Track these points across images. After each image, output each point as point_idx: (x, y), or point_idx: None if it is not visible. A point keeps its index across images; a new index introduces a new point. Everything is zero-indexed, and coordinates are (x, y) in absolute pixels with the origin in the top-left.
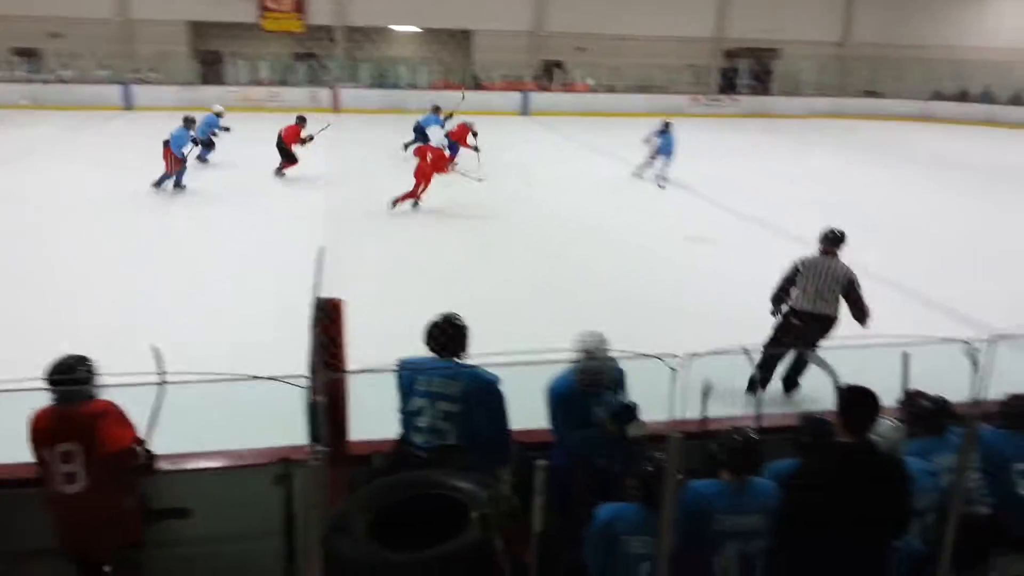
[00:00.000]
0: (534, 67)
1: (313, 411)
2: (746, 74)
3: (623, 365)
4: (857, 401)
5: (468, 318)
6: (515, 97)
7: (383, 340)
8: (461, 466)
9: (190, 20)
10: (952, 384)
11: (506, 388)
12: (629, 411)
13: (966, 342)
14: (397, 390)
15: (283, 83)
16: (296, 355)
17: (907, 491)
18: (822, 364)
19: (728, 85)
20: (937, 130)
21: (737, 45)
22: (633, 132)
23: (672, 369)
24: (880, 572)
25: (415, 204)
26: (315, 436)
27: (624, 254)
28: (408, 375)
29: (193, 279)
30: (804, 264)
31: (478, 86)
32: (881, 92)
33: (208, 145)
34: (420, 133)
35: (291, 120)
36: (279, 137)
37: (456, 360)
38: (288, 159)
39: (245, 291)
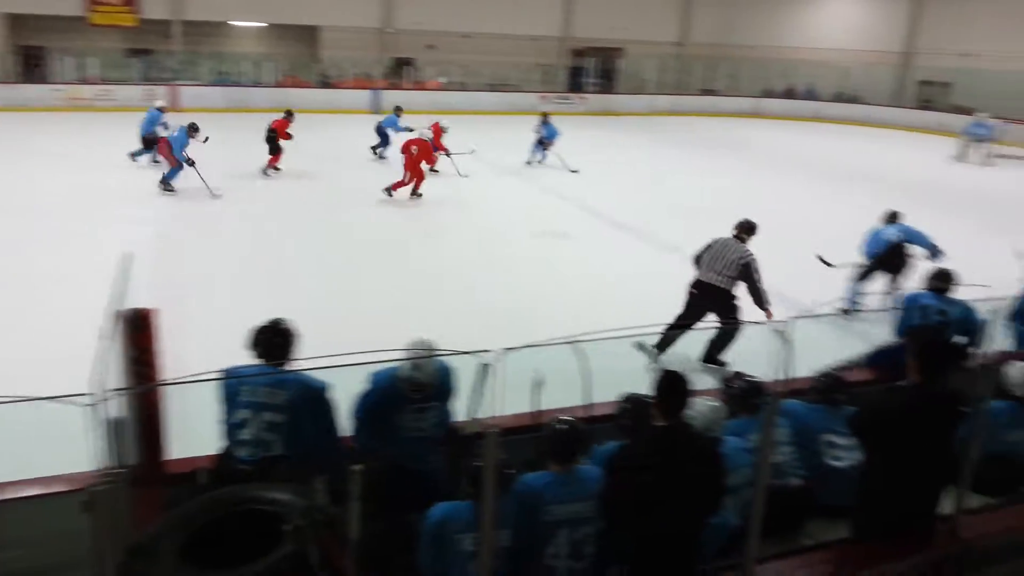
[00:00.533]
0: (384, 64)
1: (112, 429)
2: (593, 73)
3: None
4: (669, 385)
5: (305, 321)
6: (365, 95)
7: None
8: (286, 478)
9: (8, 13)
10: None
11: (338, 393)
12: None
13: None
14: (220, 402)
15: (115, 81)
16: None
17: (719, 469)
18: (644, 349)
19: (576, 84)
20: (767, 126)
21: (583, 44)
22: (485, 130)
23: (485, 365)
24: (696, 547)
25: (417, 195)
26: (114, 456)
27: (472, 250)
28: (231, 385)
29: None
30: (712, 240)
31: (326, 83)
32: (717, 90)
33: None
34: (382, 134)
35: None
36: (269, 128)
37: (283, 367)
38: (275, 151)
39: (64, 302)
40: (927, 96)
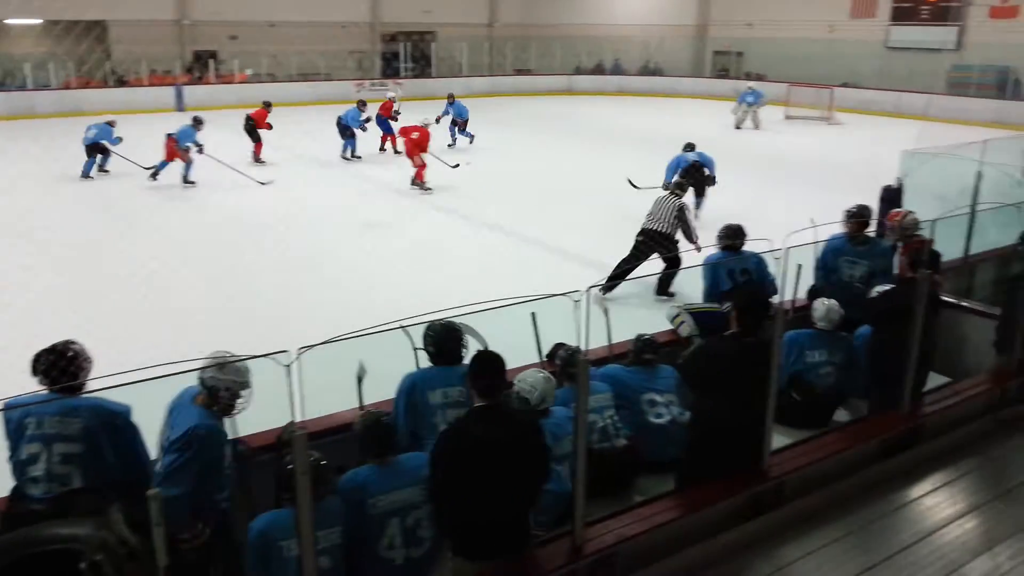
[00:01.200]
0: (185, 59)
1: None
2: (406, 58)
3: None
4: (483, 367)
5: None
6: (167, 92)
7: None
8: (88, 512)
9: None
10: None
11: (143, 415)
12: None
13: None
14: (4, 437)
15: None
16: None
17: (540, 441)
18: (472, 332)
19: (390, 69)
20: (580, 101)
21: (394, 29)
22: (301, 121)
23: (286, 366)
24: (523, 516)
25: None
26: None
27: (294, 246)
28: (14, 418)
29: None
30: (656, 198)
31: (121, 82)
32: (530, 69)
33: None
34: (346, 132)
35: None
36: (248, 118)
37: (73, 393)
38: (257, 140)
39: None
40: (722, 65)
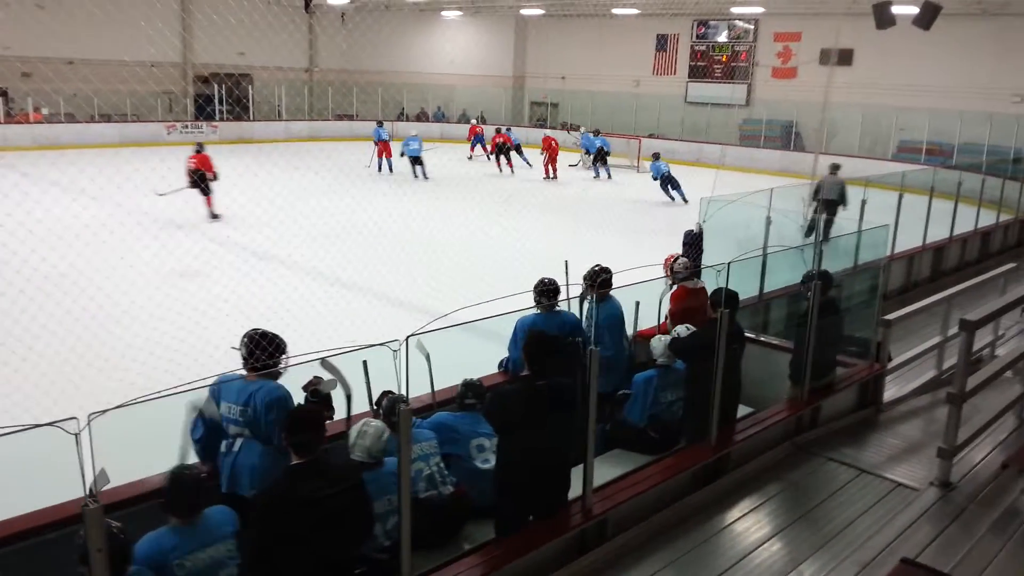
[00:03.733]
0: None
1: None
2: (222, 100)
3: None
4: (298, 424)
5: None
6: None
7: None
8: None
9: None
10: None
11: None
12: None
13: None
14: None
15: None
16: None
17: (362, 495)
18: (336, 373)
19: (204, 112)
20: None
21: (208, 71)
22: (105, 165)
23: (72, 433)
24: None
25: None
26: None
27: (101, 299)
28: None
29: None
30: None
31: None
32: (352, 114)
33: None
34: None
35: None
36: (192, 170)
37: None
38: (207, 192)
39: None
40: (540, 115)
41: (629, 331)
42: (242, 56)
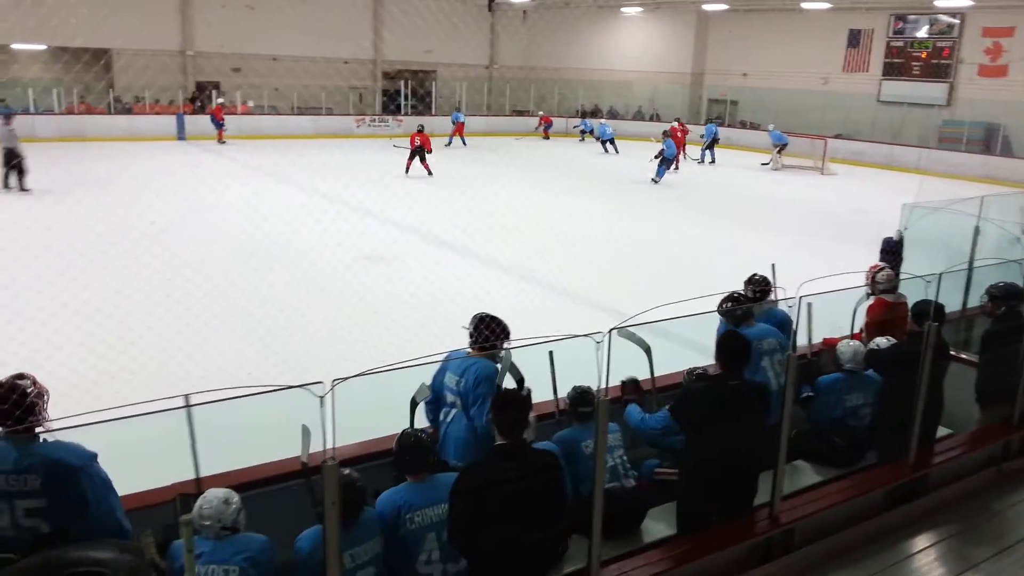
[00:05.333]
0: (187, 89)
1: None
2: (407, 95)
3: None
4: (506, 407)
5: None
6: (168, 121)
7: None
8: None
9: None
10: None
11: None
12: None
13: (588, 335)
14: None
15: None
16: None
17: (559, 479)
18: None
19: (391, 106)
20: (584, 146)
21: (395, 67)
22: (303, 153)
23: (319, 397)
24: (551, 554)
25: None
26: None
27: (297, 277)
28: None
29: None
30: None
31: (124, 109)
32: (528, 110)
33: None
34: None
35: None
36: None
37: (29, 439)
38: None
39: None
40: (717, 113)
41: (803, 339)
42: (427, 53)
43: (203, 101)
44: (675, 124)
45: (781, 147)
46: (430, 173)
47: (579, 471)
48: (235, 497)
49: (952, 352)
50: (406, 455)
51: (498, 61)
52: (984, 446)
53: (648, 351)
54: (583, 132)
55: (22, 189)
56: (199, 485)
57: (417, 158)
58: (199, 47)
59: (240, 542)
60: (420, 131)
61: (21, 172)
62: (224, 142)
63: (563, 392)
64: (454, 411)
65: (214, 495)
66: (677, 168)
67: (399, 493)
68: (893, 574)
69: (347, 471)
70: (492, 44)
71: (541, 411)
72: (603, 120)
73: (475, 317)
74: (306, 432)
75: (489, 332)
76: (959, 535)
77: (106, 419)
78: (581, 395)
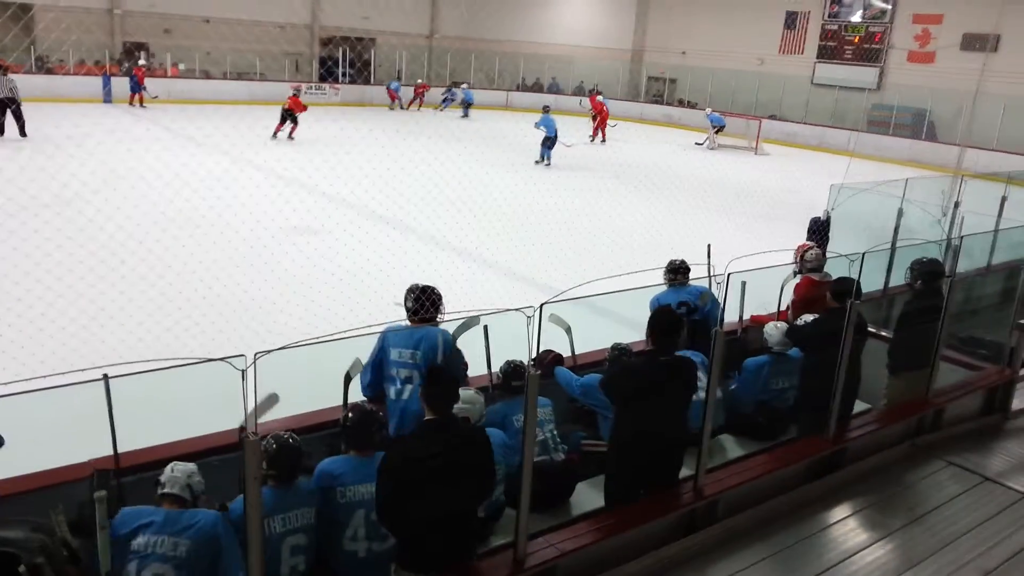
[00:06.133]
0: (115, 49)
1: None
2: (344, 63)
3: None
4: (436, 380)
5: None
6: (94, 82)
7: None
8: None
9: None
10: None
11: None
12: None
13: (519, 310)
14: None
15: None
16: None
17: (488, 454)
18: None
19: (327, 73)
20: (517, 118)
21: (333, 34)
22: (235, 121)
23: (241, 371)
24: (469, 529)
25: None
26: None
27: (221, 247)
28: None
29: None
30: None
31: (46, 69)
32: (468, 82)
33: None
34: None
35: None
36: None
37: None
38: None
39: None
40: (656, 91)
41: (734, 317)
42: (366, 20)
43: (130, 63)
44: (591, 93)
45: (719, 128)
46: (291, 137)
47: (510, 445)
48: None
49: (871, 329)
50: (357, 428)
51: (439, 31)
52: (899, 421)
53: (568, 330)
54: (444, 101)
55: (22, 134)
56: (117, 461)
57: (289, 122)
58: (128, 6)
59: (191, 516)
60: (295, 95)
61: (21, 121)
62: (144, 106)
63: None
64: (409, 387)
65: (183, 464)
66: (604, 140)
67: (337, 463)
68: (812, 543)
69: (286, 433)
70: (432, 14)
71: (475, 385)
72: (465, 86)
73: (411, 289)
74: (271, 399)
75: (429, 303)
76: (875, 506)
77: (17, 392)
78: (514, 369)
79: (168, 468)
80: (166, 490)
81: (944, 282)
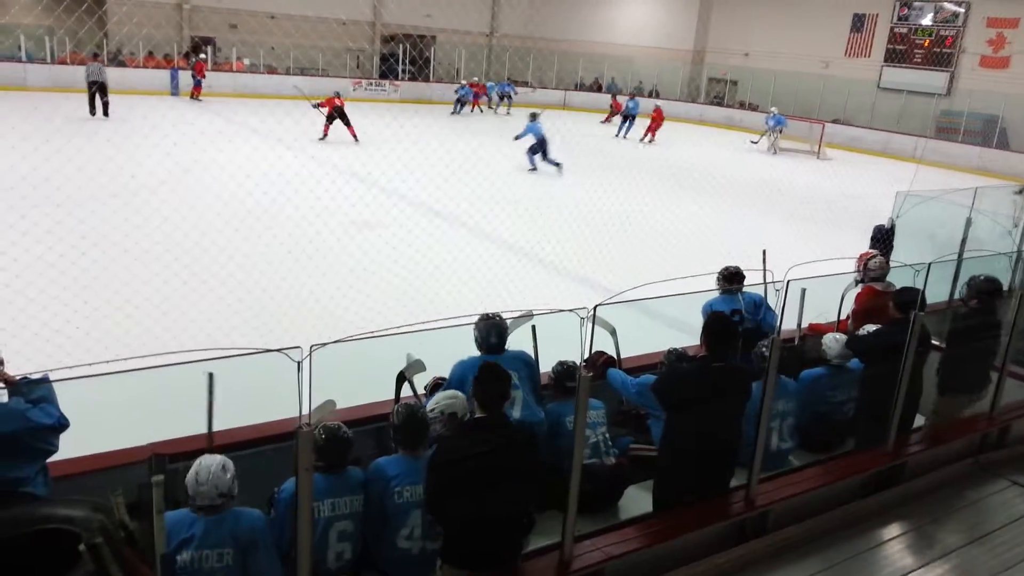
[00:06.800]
0: (183, 43)
1: None
2: (405, 60)
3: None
4: (487, 378)
5: None
6: (162, 75)
7: None
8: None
9: None
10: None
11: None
12: None
13: (572, 311)
14: None
15: None
16: None
17: (535, 454)
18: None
19: (388, 70)
20: (573, 117)
21: (394, 31)
22: (296, 115)
23: (297, 362)
24: (521, 527)
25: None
26: None
27: (285, 241)
28: None
29: None
30: None
31: (119, 62)
32: (527, 81)
33: None
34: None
35: None
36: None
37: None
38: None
39: None
40: (717, 92)
41: (792, 323)
42: (427, 18)
43: (196, 58)
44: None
45: (780, 129)
46: (355, 138)
47: (561, 445)
48: (231, 464)
49: (934, 342)
50: (406, 428)
51: (499, 29)
52: (962, 437)
53: (613, 333)
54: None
55: (105, 114)
56: (212, 440)
57: (339, 121)
58: (196, 1)
59: (232, 520)
60: (337, 96)
61: (106, 101)
62: (200, 99)
63: (546, 367)
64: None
65: (211, 460)
66: (652, 141)
67: (392, 463)
68: (866, 560)
69: (336, 424)
70: (493, 12)
71: None
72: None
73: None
74: (328, 404)
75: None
76: (934, 523)
77: (78, 375)
78: (567, 370)
79: (191, 477)
80: (197, 503)
81: (1011, 297)
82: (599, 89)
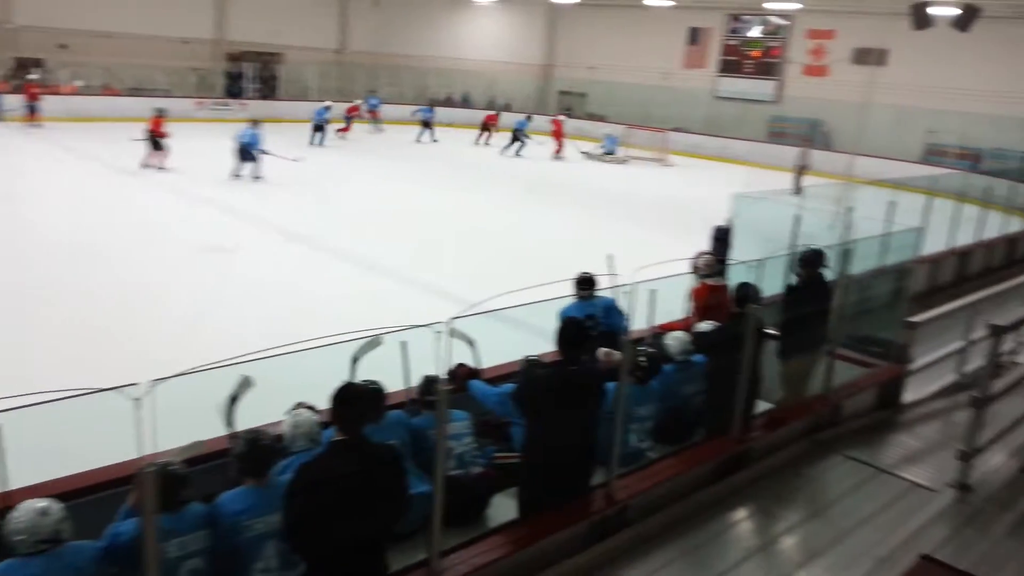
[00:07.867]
0: (6, 65)
1: None
2: (251, 78)
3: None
4: (349, 399)
5: None
6: None
7: None
8: None
9: None
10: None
11: None
12: None
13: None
14: None
15: None
16: None
17: (400, 473)
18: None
19: (234, 89)
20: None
21: (240, 48)
22: (137, 138)
23: (136, 399)
24: (380, 551)
25: None
26: None
27: (126, 272)
28: None
29: None
30: None
31: None
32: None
33: None
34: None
35: None
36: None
37: None
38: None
39: None
40: (567, 104)
41: (643, 324)
42: (274, 35)
43: (21, 81)
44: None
45: (612, 149)
46: (160, 167)
47: (427, 459)
48: (55, 507)
49: (770, 331)
50: (251, 457)
51: (349, 46)
52: (799, 419)
53: (471, 344)
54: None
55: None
56: (8, 499)
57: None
58: (20, 19)
59: (67, 556)
60: (159, 115)
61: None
62: (39, 125)
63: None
64: None
65: (28, 507)
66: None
67: (238, 498)
68: (719, 542)
69: (164, 462)
70: (342, 28)
71: (393, 401)
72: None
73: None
74: (245, 383)
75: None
76: (777, 502)
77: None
78: (430, 384)
79: (10, 523)
80: (31, 549)
81: (829, 274)
82: (452, 104)
